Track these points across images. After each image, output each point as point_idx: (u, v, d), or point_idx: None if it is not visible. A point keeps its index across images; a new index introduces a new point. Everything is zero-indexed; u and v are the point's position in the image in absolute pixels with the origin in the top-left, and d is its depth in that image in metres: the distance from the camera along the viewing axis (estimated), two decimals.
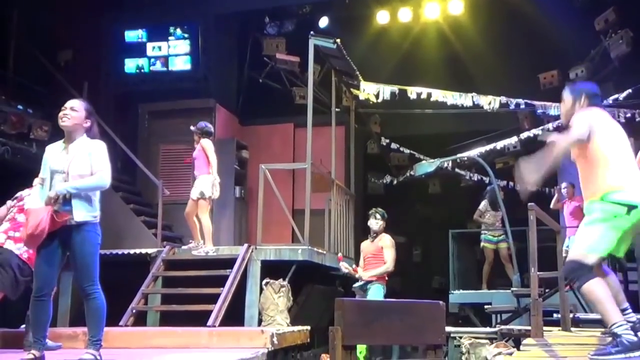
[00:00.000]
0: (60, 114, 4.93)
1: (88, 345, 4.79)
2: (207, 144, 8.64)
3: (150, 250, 8.80)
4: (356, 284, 8.11)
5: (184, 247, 9.03)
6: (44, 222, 4.62)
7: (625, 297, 4.66)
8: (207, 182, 8.49)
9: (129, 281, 8.14)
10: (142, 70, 12.35)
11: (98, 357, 4.75)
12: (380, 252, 8.07)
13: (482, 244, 11.46)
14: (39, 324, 4.77)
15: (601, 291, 4.27)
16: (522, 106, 11.15)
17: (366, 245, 8.27)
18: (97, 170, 4.85)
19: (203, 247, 8.51)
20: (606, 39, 10.91)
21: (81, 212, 4.77)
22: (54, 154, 4.93)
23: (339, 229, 10.05)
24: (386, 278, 8.07)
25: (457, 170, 13.10)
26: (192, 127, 8.85)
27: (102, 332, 4.84)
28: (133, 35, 12.35)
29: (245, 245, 8.51)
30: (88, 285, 4.74)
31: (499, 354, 5.94)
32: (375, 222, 8.17)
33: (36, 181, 5.24)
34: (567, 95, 4.78)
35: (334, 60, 10.45)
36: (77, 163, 4.83)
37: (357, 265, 8.38)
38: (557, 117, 11.12)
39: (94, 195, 4.89)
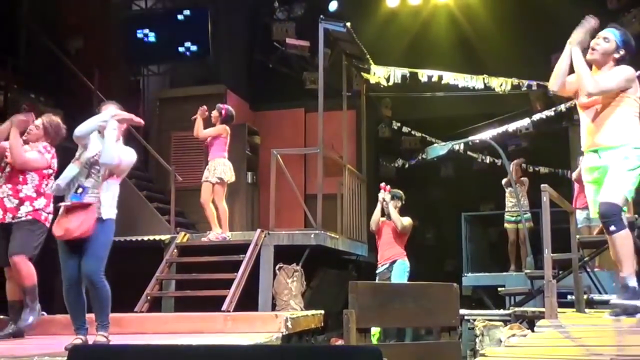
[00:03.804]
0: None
1: (98, 328, 4.95)
2: (220, 127, 8.60)
3: (163, 237, 8.83)
4: (379, 269, 8.13)
5: (203, 239, 8.81)
6: (88, 225, 4.77)
7: None
8: (225, 166, 8.43)
9: (143, 267, 8.18)
10: (153, 57, 12.34)
11: (109, 338, 4.96)
12: (395, 232, 8.12)
13: (504, 224, 11.46)
14: (75, 311, 4.96)
15: (631, 242, 4.55)
16: (534, 87, 11.09)
17: (385, 222, 8.31)
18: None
19: (221, 233, 8.51)
20: (619, 18, 10.79)
21: (109, 210, 4.98)
22: (91, 148, 5.02)
23: (351, 213, 10.06)
24: (405, 254, 8.13)
25: (469, 153, 13.07)
26: (223, 107, 8.77)
27: (109, 314, 5.02)
28: (143, 22, 12.33)
29: (258, 230, 8.51)
30: (97, 275, 4.87)
31: (513, 335, 5.93)
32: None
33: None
34: (613, 36, 4.77)
35: (344, 44, 10.40)
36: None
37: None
38: (569, 99, 11.05)
39: (116, 193, 5.10)
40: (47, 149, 6.07)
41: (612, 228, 4.49)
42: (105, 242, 4.97)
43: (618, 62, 4.73)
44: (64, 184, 4.90)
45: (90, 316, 5.06)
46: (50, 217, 5.97)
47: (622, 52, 4.73)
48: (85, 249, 4.86)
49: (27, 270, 5.90)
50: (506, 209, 11.47)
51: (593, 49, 4.76)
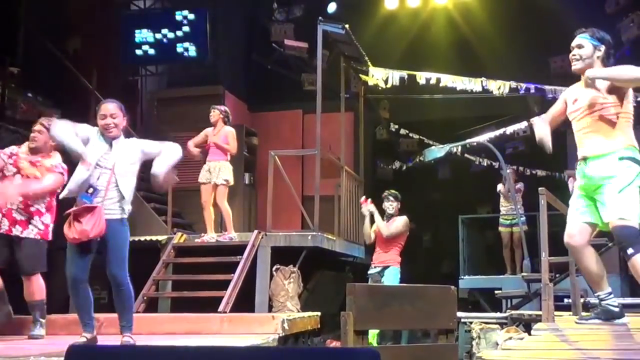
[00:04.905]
0: (102, 123, 4.99)
1: (124, 329, 4.98)
2: (233, 131, 8.69)
3: (160, 237, 8.82)
4: (371, 270, 8.10)
5: (197, 240, 8.83)
6: (101, 225, 4.79)
7: None
8: (228, 169, 8.50)
9: (140, 268, 8.13)
10: (151, 57, 12.33)
11: (134, 339, 4.99)
12: (398, 235, 8.06)
13: (499, 228, 11.46)
14: (82, 309, 4.99)
15: None
16: (532, 91, 11.08)
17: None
18: (159, 149, 5.15)
19: (227, 234, 8.54)
20: (617, 22, 10.81)
21: (126, 207, 5.01)
22: (95, 146, 4.98)
23: (348, 215, 10.05)
24: (399, 261, 8.07)
25: (466, 155, 13.07)
26: (218, 107, 8.82)
27: (133, 314, 5.10)
28: (142, 22, 12.32)
29: (255, 231, 8.52)
30: (123, 276, 4.92)
31: (510, 338, 5.94)
32: (389, 205, 8.13)
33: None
34: (585, 40, 4.67)
35: (342, 46, 10.41)
36: (122, 161, 5.00)
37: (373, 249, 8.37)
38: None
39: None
40: (64, 167, 6.05)
41: (630, 251, 4.26)
42: (126, 241, 5.03)
43: (604, 60, 4.64)
44: (76, 187, 4.88)
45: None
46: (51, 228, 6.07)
47: (602, 48, 4.64)
48: (107, 250, 4.90)
49: (38, 286, 5.98)
50: (501, 213, 11.48)
51: (573, 61, 4.71)
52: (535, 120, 4.81)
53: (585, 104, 4.59)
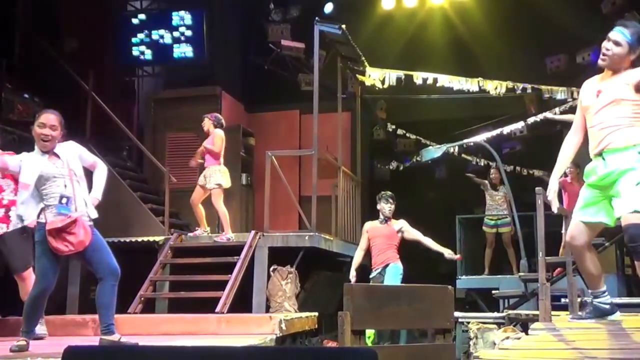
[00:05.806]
0: (40, 131, 4.93)
1: (113, 328, 5.03)
2: (219, 132, 8.81)
3: (157, 238, 8.83)
4: (373, 274, 8.08)
5: (190, 234, 9.04)
6: (89, 232, 4.92)
7: None
8: (220, 172, 8.67)
9: (137, 269, 8.16)
10: (148, 58, 12.32)
11: None
12: (394, 235, 8.05)
13: (483, 228, 11.42)
14: (37, 316, 5.12)
15: None
16: (529, 91, 11.10)
17: (375, 228, 8.17)
18: (93, 161, 5.30)
19: (224, 234, 8.62)
20: (613, 22, 10.80)
21: (93, 211, 5.10)
22: (40, 162, 4.94)
23: (346, 215, 10.06)
24: (398, 257, 8.08)
25: (463, 155, 13.07)
26: (208, 115, 9.01)
27: None
28: (138, 23, 12.31)
29: (253, 232, 8.53)
30: (118, 268, 4.98)
31: (507, 338, 5.94)
32: (388, 207, 8.11)
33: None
34: (623, 38, 4.40)
35: (339, 46, 10.41)
36: (75, 165, 5.06)
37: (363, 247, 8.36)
38: (563, 102, 11.07)
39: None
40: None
41: None
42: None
43: (635, 63, 4.40)
44: (28, 210, 4.89)
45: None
46: None
47: (637, 51, 4.39)
48: (97, 253, 4.95)
49: (31, 284, 5.95)
50: (485, 213, 11.45)
51: (604, 55, 4.45)
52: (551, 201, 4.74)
53: (613, 98, 4.37)
